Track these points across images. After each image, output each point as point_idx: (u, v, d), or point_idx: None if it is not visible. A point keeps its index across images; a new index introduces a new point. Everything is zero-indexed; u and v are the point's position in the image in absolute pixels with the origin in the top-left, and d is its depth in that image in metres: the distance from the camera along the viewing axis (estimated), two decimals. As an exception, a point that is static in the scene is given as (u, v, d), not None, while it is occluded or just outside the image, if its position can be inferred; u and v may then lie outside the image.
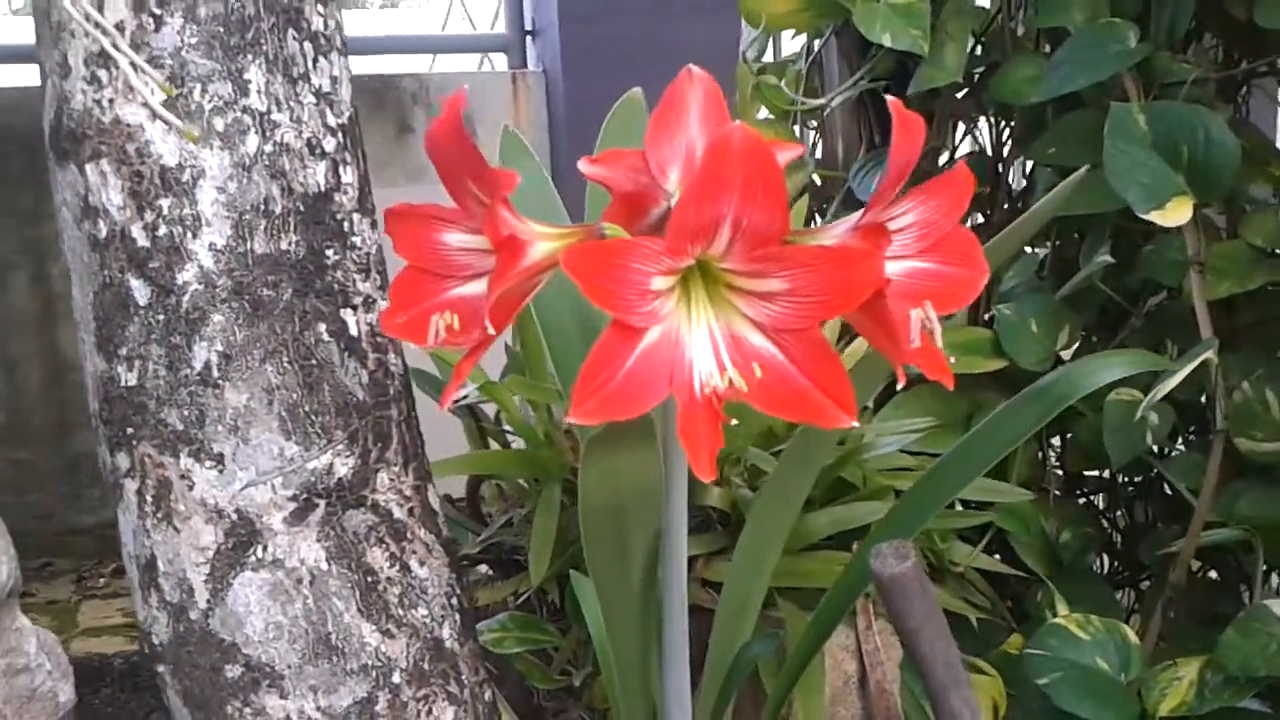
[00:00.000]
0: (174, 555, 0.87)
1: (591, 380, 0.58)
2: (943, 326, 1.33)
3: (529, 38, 2.71)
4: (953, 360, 1.25)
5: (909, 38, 1.28)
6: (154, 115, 0.84)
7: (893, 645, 1.12)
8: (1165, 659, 1.11)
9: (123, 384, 0.87)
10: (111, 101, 0.85)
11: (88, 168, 0.86)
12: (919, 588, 0.76)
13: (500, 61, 2.73)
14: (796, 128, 1.62)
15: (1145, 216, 1.06)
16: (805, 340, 0.61)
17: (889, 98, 0.65)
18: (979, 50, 1.49)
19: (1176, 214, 1.06)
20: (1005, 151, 1.51)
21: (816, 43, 1.58)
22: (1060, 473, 1.44)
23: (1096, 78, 1.16)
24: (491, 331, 0.62)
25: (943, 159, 1.61)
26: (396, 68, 2.63)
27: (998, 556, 1.36)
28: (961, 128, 1.57)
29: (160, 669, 0.91)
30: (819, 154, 1.64)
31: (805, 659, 0.96)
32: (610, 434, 0.70)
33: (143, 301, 0.86)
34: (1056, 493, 1.41)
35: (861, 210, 0.64)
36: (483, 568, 1.33)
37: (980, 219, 1.52)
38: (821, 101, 1.43)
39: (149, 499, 0.87)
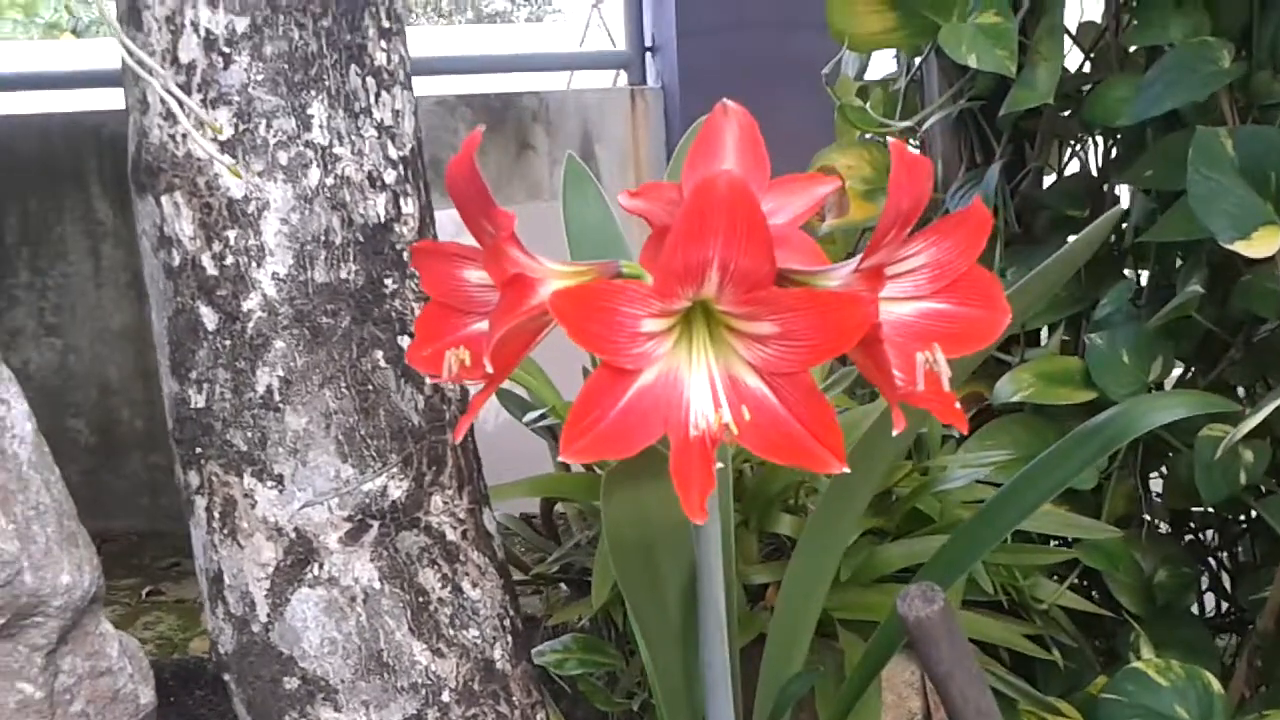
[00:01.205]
0: (238, 570, 0.92)
1: (581, 420, 0.59)
2: (1032, 356, 1.30)
3: (648, 54, 2.73)
4: (1030, 390, 1.24)
5: (995, 59, 1.25)
6: (220, 150, 0.89)
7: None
8: (1253, 711, 1.06)
9: (192, 405, 0.91)
10: (185, 137, 0.90)
11: (163, 199, 0.91)
12: (946, 632, 0.75)
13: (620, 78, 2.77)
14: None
15: (1229, 247, 1.02)
16: (797, 384, 0.60)
17: (890, 140, 0.64)
18: (1087, 67, 1.45)
19: (1264, 244, 1.01)
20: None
21: (917, 60, 1.56)
22: (1160, 509, 1.39)
23: (1186, 100, 1.12)
24: (489, 370, 0.63)
25: (1048, 180, 1.57)
26: (523, 85, 2.68)
27: (1094, 594, 1.32)
28: (1068, 147, 1.53)
29: (226, 677, 0.95)
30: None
31: (857, 693, 0.95)
32: (629, 469, 0.71)
33: (211, 327, 0.90)
34: (1164, 527, 1.36)
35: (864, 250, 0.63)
36: (564, 587, 1.35)
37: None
38: (908, 123, 1.41)
39: (216, 515, 0.92)
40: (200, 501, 0.93)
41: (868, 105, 1.44)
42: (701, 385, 0.63)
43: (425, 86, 2.75)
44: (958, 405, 0.64)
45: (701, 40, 2.60)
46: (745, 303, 0.60)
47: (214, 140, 0.88)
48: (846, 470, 0.60)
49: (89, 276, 2.34)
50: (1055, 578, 1.29)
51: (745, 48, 2.56)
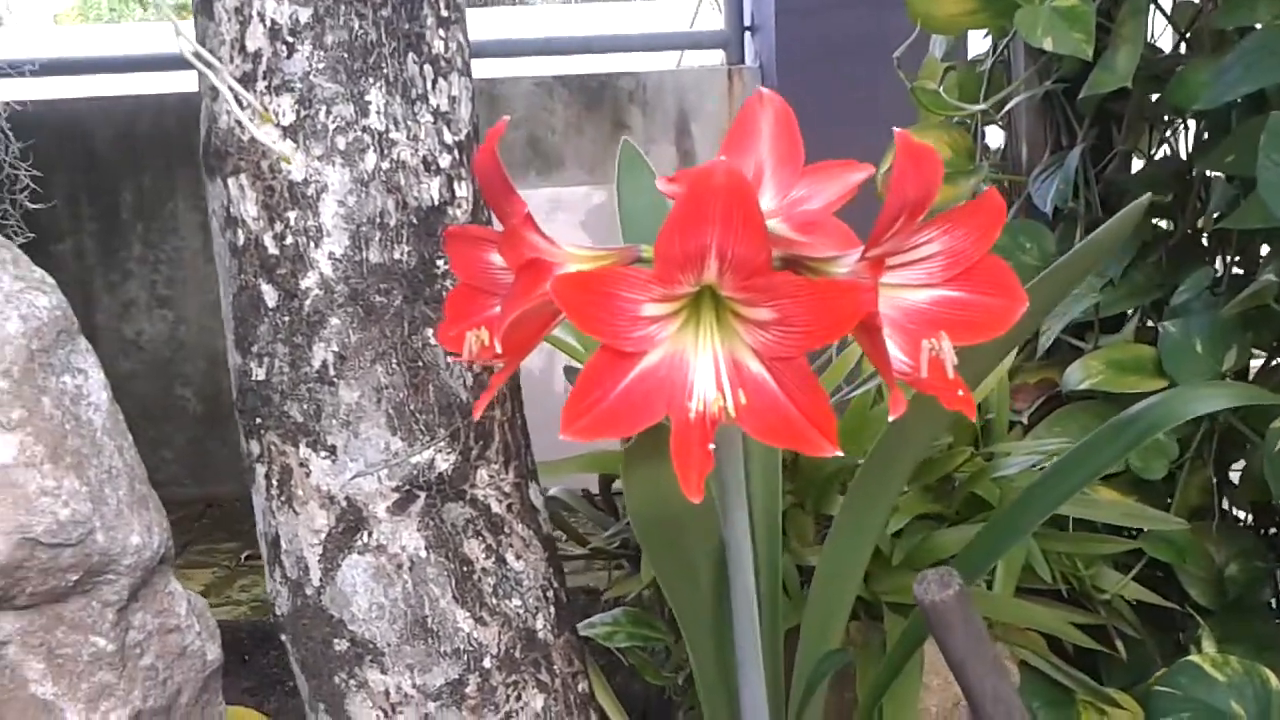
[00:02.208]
0: (293, 535, 0.96)
1: (582, 400, 0.61)
2: (1105, 343, 1.28)
3: (747, 34, 2.73)
4: (1100, 378, 1.22)
5: (1071, 42, 1.23)
6: (281, 135, 0.93)
7: (1010, 671, 1.09)
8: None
9: (254, 378, 0.96)
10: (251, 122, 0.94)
11: (229, 181, 0.95)
12: (961, 618, 0.76)
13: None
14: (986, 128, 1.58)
15: (1298, 235, 0.99)
16: (794, 369, 0.61)
17: (896, 130, 0.64)
18: (1183, 48, 1.41)
19: (1335, 233, 0.98)
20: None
21: (1003, 41, 1.54)
22: (1242, 501, 1.35)
23: (1263, 84, 1.09)
24: (499, 350, 0.65)
25: (1137, 165, 1.53)
26: (615, 66, 2.71)
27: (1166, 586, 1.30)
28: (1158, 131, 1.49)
29: (283, 638, 1.00)
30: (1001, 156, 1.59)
31: (894, 672, 0.95)
32: (645, 447, 0.73)
33: (271, 304, 0.95)
34: (1242, 518, 1.32)
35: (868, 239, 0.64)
36: (626, 564, 1.38)
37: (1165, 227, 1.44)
38: (981, 106, 1.39)
39: (274, 483, 0.96)
40: (260, 469, 0.97)
41: (942, 88, 1.42)
42: (706, 368, 0.64)
43: (524, 67, 2.79)
44: (961, 393, 0.64)
45: (800, 20, 2.59)
46: (744, 289, 0.61)
47: (277, 126, 0.92)
48: (839, 453, 0.61)
49: (198, 251, 2.44)
50: (1122, 568, 1.27)
51: (843, 27, 2.54)
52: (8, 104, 1.63)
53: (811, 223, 0.75)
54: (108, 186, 2.45)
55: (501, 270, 0.73)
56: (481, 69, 2.86)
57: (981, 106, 1.39)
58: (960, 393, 0.66)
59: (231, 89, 0.77)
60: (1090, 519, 1.20)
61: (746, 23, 2.70)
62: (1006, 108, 1.44)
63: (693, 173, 0.59)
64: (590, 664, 1.09)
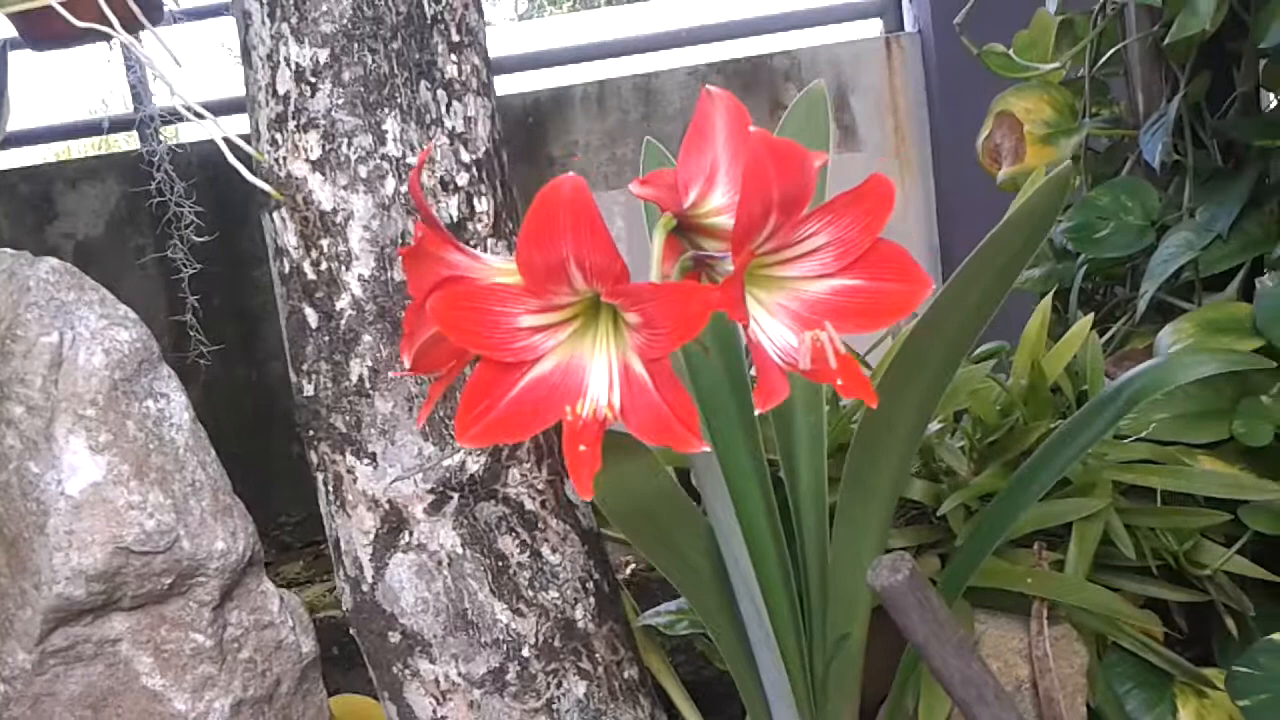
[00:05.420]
0: (350, 537, 1.04)
1: (470, 410, 0.65)
2: (1204, 301, 1.21)
3: (904, 1, 2.67)
4: (1190, 340, 1.15)
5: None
6: (310, 169, 1.01)
7: (1070, 653, 1.05)
8: None
9: (305, 394, 1.04)
10: (285, 159, 1.02)
11: (274, 215, 1.04)
12: (915, 601, 0.75)
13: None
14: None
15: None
16: (662, 369, 0.63)
17: (752, 129, 0.64)
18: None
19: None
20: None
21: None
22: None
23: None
24: (406, 366, 0.70)
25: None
26: (769, 47, 2.70)
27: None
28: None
29: (352, 631, 1.08)
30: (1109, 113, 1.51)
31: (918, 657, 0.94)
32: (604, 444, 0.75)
33: (314, 325, 1.03)
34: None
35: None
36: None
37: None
38: (1053, 66, 1.33)
39: (330, 489, 1.05)
40: (320, 477, 1.06)
41: (1015, 50, 1.37)
42: (601, 372, 0.67)
43: (677, 59, 2.81)
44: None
45: (958, -19, 2.51)
46: (609, 296, 0.64)
47: (306, 161, 0.99)
48: (707, 449, 0.62)
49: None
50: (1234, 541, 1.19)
51: (1002, -13, 2.45)
52: (170, 149, 1.80)
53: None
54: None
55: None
56: (636, 64, 2.91)
57: (1052, 66, 1.33)
58: (841, 380, 0.65)
59: (225, 137, 0.85)
60: (1186, 492, 1.14)
61: (903, -11, 2.64)
62: (1099, 61, 1.37)
63: (550, 185, 0.62)
64: (655, 651, 1.12)
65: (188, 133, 2.15)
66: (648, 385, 0.65)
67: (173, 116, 1.91)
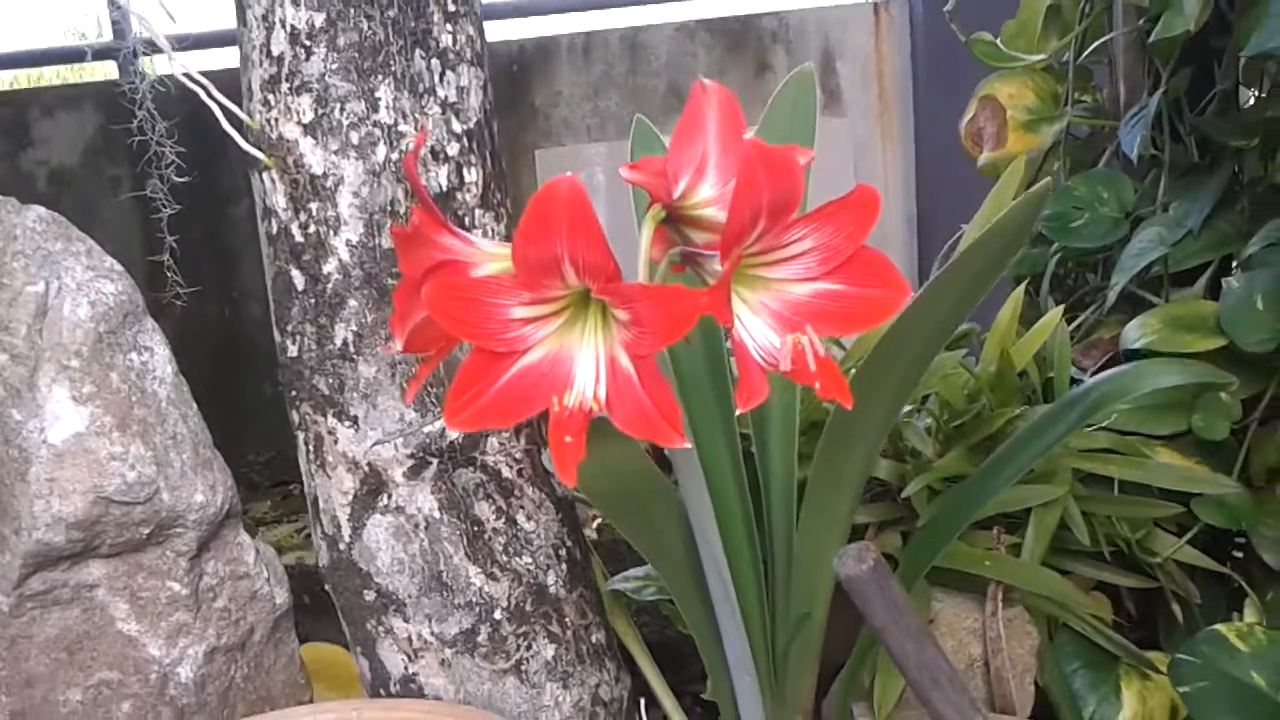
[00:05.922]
0: (328, 496, 1.06)
1: (460, 395, 0.67)
2: (1171, 297, 1.24)
3: (894, -32, 2.67)
4: (1155, 336, 1.18)
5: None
6: (303, 133, 1.01)
7: (1022, 634, 1.09)
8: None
9: (289, 354, 1.06)
10: (277, 120, 1.03)
11: (264, 176, 1.04)
12: (878, 589, 0.78)
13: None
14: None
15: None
16: (648, 366, 0.65)
17: (748, 137, 0.66)
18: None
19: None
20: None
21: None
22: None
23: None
24: (398, 346, 0.72)
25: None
26: (757, 7, 2.70)
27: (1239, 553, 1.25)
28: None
29: (327, 587, 1.10)
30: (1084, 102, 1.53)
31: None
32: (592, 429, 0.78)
33: (300, 287, 1.04)
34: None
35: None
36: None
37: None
38: (1039, 57, 1.35)
39: (311, 449, 1.07)
40: (301, 436, 1.08)
41: (1002, 38, 1.39)
42: (588, 363, 0.69)
43: (666, 14, 2.80)
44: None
45: (946, -51, 2.51)
46: (600, 293, 0.65)
47: (298, 124, 1.00)
48: (688, 445, 0.65)
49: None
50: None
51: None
52: (153, 85, 1.78)
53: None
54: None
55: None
56: (624, 18, 2.89)
57: (1039, 57, 1.34)
58: (820, 383, 0.68)
59: (218, 101, 0.85)
60: (1142, 482, 1.17)
61: (892, -44, 2.64)
62: (1085, 52, 1.39)
63: (548, 185, 0.63)
64: (622, 614, 1.15)
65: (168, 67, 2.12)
66: (633, 380, 0.67)
67: (156, 50, 1.88)
